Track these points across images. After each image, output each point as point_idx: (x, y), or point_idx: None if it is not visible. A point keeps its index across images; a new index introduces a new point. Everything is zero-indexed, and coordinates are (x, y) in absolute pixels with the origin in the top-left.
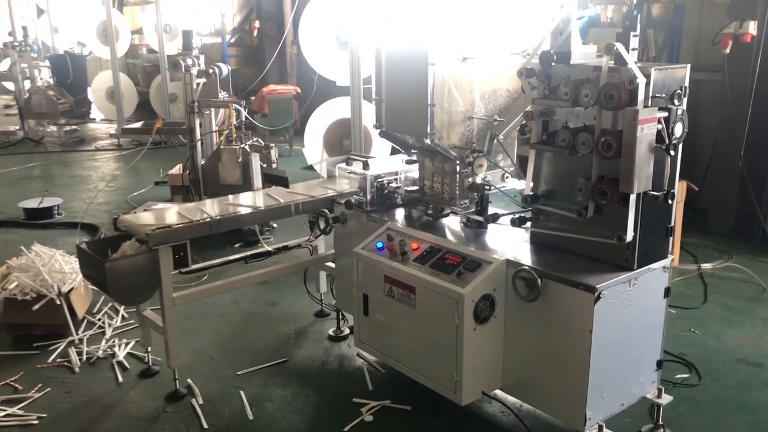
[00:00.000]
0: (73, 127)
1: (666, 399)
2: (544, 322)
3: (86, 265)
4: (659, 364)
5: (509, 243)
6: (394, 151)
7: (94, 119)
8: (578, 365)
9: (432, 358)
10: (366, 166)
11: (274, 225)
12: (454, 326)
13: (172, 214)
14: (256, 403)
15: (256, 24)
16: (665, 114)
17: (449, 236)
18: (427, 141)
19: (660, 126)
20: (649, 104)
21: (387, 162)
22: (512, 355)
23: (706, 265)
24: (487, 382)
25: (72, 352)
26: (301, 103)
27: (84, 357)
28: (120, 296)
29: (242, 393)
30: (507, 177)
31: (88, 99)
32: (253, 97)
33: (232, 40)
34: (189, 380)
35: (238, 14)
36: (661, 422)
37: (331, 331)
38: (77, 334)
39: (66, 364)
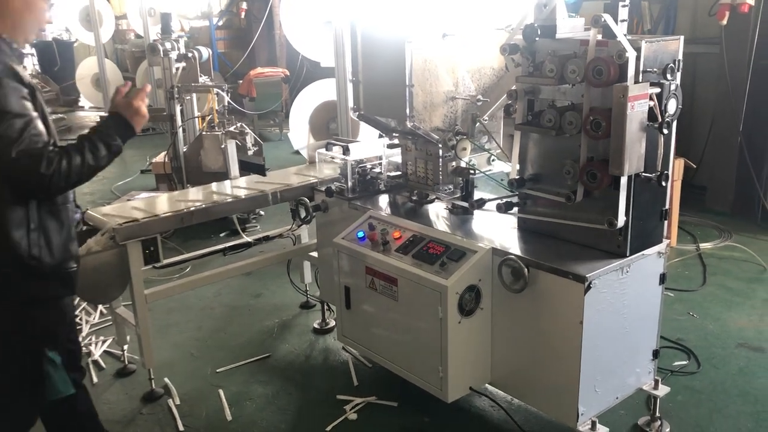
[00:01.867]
0: (60, 115)
1: (663, 390)
2: (533, 313)
3: None
4: (655, 354)
5: (496, 230)
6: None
7: (83, 107)
8: (569, 358)
9: (416, 353)
10: (347, 151)
11: (261, 213)
12: (438, 319)
13: (144, 205)
14: (235, 403)
15: (243, 5)
16: (657, 90)
17: (433, 224)
18: (408, 124)
19: (652, 103)
20: (640, 80)
21: (369, 146)
22: (500, 348)
23: (705, 245)
24: (474, 378)
25: None
26: (291, 86)
27: None
28: (87, 295)
29: (221, 392)
30: (493, 160)
31: (75, 86)
32: (240, 81)
33: (220, 23)
34: (166, 379)
35: None
36: (658, 414)
37: (316, 324)
38: None
39: None
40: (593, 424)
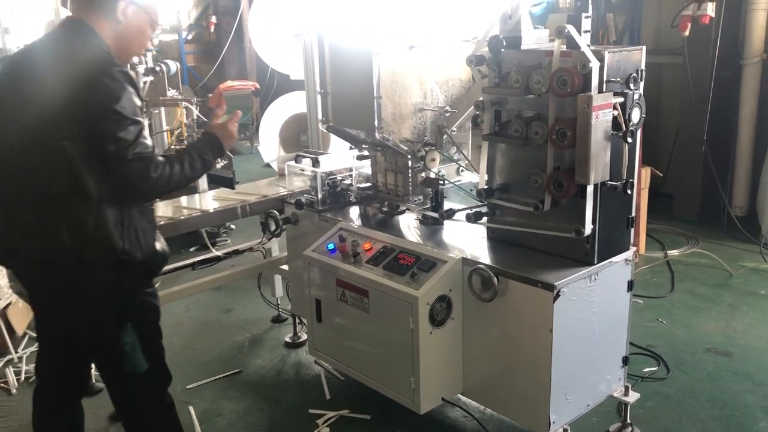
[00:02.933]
0: None
1: (633, 396)
2: (503, 322)
3: (13, 279)
4: (625, 361)
5: (466, 240)
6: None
7: None
8: (539, 367)
9: (388, 364)
10: (316, 163)
11: (232, 227)
12: (409, 330)
13: None
14: (206, 419)
15: (213, 19)
16: (621, 99)
17: (404, 235)
18: (377, 135)
19: (616, 112)
20: (604, 89)
21: (339, 158)
22: (472, 358)
23: (672, 252)
24: (446, 388)
25: (9, 372)
26: (261, 99)
27: (23, 377)
28: None
29: (191, 408)
30: (462, 171)
31: None
32: (210, 95)
33: (189, 37)
34: None
35: (194, 10)
36: (629, 420)
37: (287, 338)
38: (16, 353)
39: (2, 385)
40: None
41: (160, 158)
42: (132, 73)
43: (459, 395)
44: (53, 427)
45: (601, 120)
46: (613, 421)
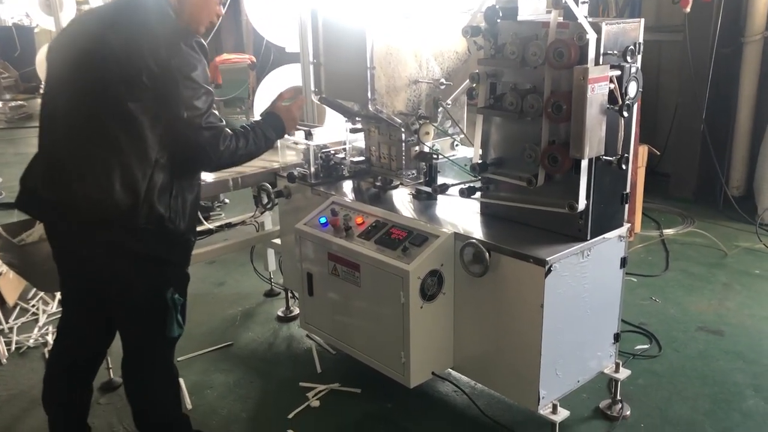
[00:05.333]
0: (20, 102)
1: (624, 373)
2: (495, 297)
3: (4, 250)
4: (617, 338)
5: (459, 215)
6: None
7: None
8: (530, 342)
9: (379, 338)
10: (309, 135)
11: (226, 201)
12: (400, 305)
13: None
14: (196, 392)
15: None
16: (618, 72)
17: (397, 209)
18: (370, 107)
19: (612, 85)
20: (601, 62)
21: (333, 131)
22: (463, 333)
23: (668, 231)
24: (437, 363)
25: (0, 342)
26: (258, 72)
27: (13, 347)
28: (41, 283)
29: (182, 380)
30: (457, 145)
31: (36, 73)
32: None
33: None
34: None
35: None
36: (619, 397)
37: (280, 312)
38: (6, 323)
39: None
40: (554, 407)
41: (229, 131)
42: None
43: (449, 370)
44: (62, 397)
45: (597, 93)
46: (603, 398)
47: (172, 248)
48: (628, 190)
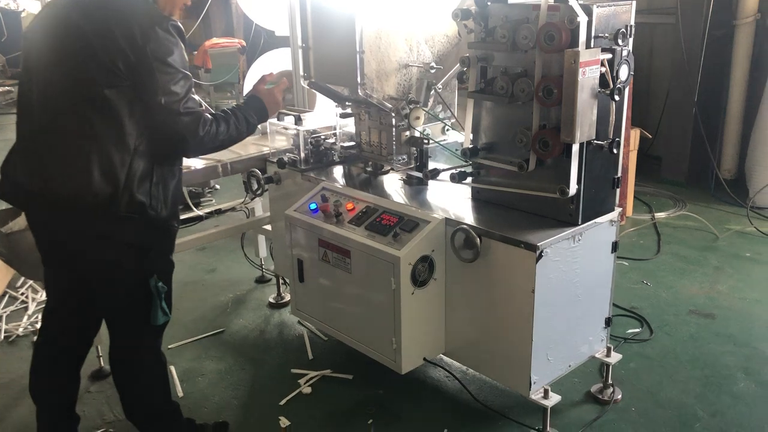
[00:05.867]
0: (8, 87)
1: (615, 357)
2: (486, 282)
3: None
4: (608, 322)
5: (450, 200)
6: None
7: None
8: (521, 327)
9: (370, 325)
10: (299, 121)
11: (217, 187)
12: (391, 291)
13: None
14: (187, 379)
15: None
16: (609, 56)
17: (387, 195)
18: (360, 92)
19: (603, 69)
20: (592, 45)
21: (322, 116)
22: (454, 318)
23: (659, 215)
24: (428, 349)
25: None
26: (248, 56)
27: (2, 335)
28: (28, 271)
29: (172, 368)
30: (448, 130)
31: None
32: (195, 52)
33: None
34: None
35: None
36: (610, 381)
37: (271, 298)
38: None
39: None
40: (545, 392)
41: (208, 116)
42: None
43: (441, 356)
44: (50, 387)
45: (588, 77)
46: (594, 382)
47: (155, 236)
48: (619, 174)
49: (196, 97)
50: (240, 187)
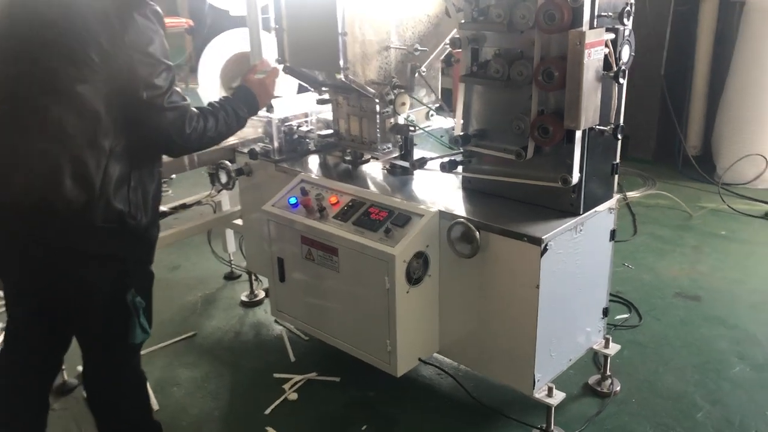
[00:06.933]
0: None
1: (614, 348)
2: (485, 278)
3: None
4: (605, 312)
5: (439, 191)
6: (301, 89)
7: None
8: (524, 324)
9: (361, 327)
10: (270, 108)
11: (173, 176)
12: (384, 290)
13: None
14: (160, 390)
15: None
16: (612, 36)
17: (372, 186)
18: (340, 77)
19: (607, 50)
20: (595, 24)
21: (295, 102)
22: (449, 315)
23: (631, 194)
24: (423, 348)
25: None
26: (196, 37)
27: None
28: None
29: None
30: (432, 115)
31: None
32: None
33: None
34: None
35: None
36: (608, 373)
37: (243, 296)
38: None
39: None
40: (549, 390)
41: (195, 110)
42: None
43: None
44: (15, 416)
45: (593, 58)
46: (590, 373)
47: (134, 246)
48: (617, 160)
49: (179, 89)
50: (197, 176)
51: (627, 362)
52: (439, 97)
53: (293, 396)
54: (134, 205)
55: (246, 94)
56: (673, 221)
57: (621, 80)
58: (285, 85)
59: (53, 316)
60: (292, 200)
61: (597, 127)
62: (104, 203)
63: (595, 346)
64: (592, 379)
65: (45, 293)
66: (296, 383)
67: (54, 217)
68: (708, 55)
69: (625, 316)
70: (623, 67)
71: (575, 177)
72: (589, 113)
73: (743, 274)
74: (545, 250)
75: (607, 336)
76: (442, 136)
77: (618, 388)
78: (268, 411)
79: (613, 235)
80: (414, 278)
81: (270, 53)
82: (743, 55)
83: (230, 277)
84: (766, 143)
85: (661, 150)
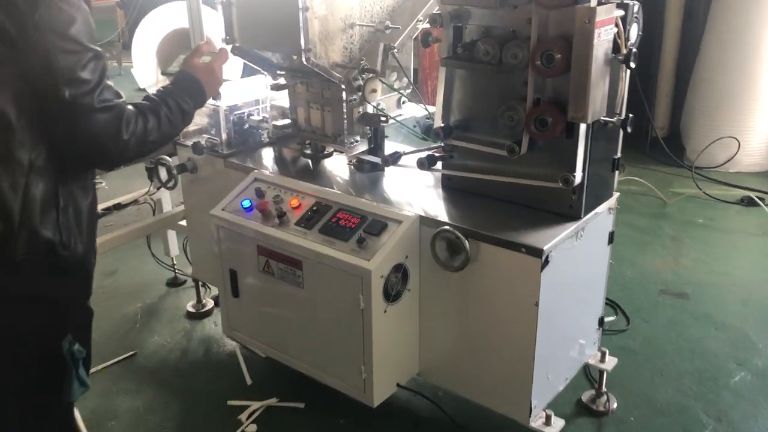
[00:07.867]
0: None
1: (611, 363)
2: (473, 293)
3: None
4: (601, 322)
5: (415, 190)
6: (247, 70)
7: None
8: (520, 347)
9: (330, 350)
10: (216, 94)
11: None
12: (358, 310)
13: None
14: (96, 425)
15: None
16: (621, 12)
17: (338, 186)
18: (300, 59)
19: (617, 29)
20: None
21: (245, 87)
22: (431, 333)
23: None
24: (401, 372)
25: None
26: (128, 11)
27: None
28: None
29: (75, 411)
30: (404, 102)
31: None
32: None
33: None
34: None
35: None
36: (604, 389)
37: (190, 306)
38: None
39: None
40: (548, 418)
41: (131, 108)
42: None
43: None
44: None
45: (603, 39)
46: (581, 388)
47: (68, 281)
48: (619, 154)
49: (111, 82)
50: (131, 171)
51: (620, 372)
52: (411, 81)
53: (252, 428)
54: (66, 230)
55: (190, 83)
56: (649, 209)
57: (632, 64)
58: (230, 67)
59: None
60: (246, 203)
61: (603, 118)
62: (27, 233)
63: (590, 361)
64: (586, 396)
65: None
66: (254, 411)
67: None
68: (677, 31)
69: (612, 318)
70: (633, 49)
71: (578, 176)
72: (597, 103)
73: (728, 267)
74: (546, 262)
75: (603, 349)
76: (415, 126)
77: (615, 406)
78: None
79: (611, 237)
80: (392, 294)
81: (214, 31)
82: (715, 31)
83: (174, 283)
84: (739, 125)
85: (629, 132)
